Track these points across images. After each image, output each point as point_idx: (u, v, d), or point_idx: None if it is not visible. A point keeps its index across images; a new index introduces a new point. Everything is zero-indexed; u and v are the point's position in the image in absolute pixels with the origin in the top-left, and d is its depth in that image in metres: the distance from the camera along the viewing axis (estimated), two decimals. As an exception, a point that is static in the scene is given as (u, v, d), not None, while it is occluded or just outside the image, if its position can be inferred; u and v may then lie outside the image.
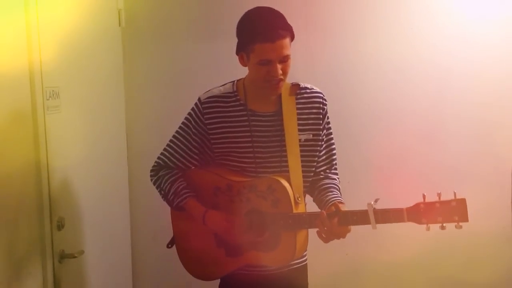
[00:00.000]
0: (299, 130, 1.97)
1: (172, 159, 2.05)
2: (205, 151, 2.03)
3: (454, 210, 1.72)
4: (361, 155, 2.86)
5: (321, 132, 2.02)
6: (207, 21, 2.93)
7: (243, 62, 1.94)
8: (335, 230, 1.83)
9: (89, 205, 2.43)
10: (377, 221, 1.78)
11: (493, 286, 2.89)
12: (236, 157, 1.98)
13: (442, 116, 2.89)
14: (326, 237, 1.85)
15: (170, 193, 2.03)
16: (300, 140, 1.97)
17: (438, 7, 2.85)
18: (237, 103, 2.00)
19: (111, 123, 2.79)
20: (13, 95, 1.90)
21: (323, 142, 2.04)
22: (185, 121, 2.05)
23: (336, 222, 1.81)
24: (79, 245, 2.30)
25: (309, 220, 1.86)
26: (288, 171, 1.94)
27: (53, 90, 2.11)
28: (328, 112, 2.05)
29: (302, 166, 1.96)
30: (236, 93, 2.01)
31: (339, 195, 2.00)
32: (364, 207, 1.80)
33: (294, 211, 1.88)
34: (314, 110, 2.01)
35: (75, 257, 2.17)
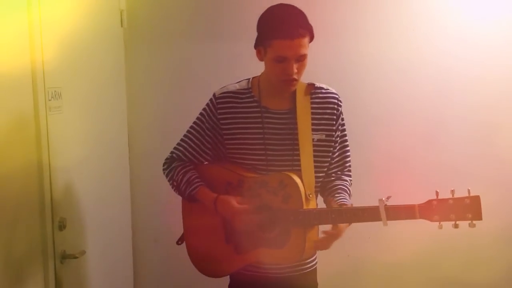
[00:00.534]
0: (313, 129, 1.97)
1: (186, 152, 2.07)
2: (217, 146, 2.05)
3: (468, 208, 1.69)
4: (362, 155, 2.84)
5: (334, 133, 2.02)
6: (209, 21, 2.93)
7: (260, 57, 1.95)
8: (342, 233, 1.84)
9: (91, 206, 2.43)
10: (388, 218, 1.75)
11: (493, 287, 2.88)
12: (247, 153, 1.99)
13: (443, 117, 2.89)
14: (330, 240, 1.87)
15: (183, 182, 2.03)
16: (313, 139, 1.97)
17: (439, 8, 2.85)
18: (251, 99, 2.00)
19: (113, 123, 2.79)
20: (15, 95, 1.90)
21: (336, 144, 2.04)
22: (199, 116, 2.07)
23: (346, 219, 1.82)
24: (80, 245, 2.30)
25: (319, 216, 1.85)
26: (300, 170, 1.94)
27: (55, 91, 2.11)
28: (343, 114, 2.05)
29: (315, 166, 1.96)
30: (250, 90, 2.02)
31: (346, 197, 1.99)
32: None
33: (305, 207, 1.87)
34: (328, 111, 2.01)
35: (77, 257, 2.17)
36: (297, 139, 1.95)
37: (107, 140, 2.68)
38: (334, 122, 2.01)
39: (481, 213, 1.69)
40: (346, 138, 2.08)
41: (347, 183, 2.07)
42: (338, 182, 2.05)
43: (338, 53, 2.87)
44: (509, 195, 2.87)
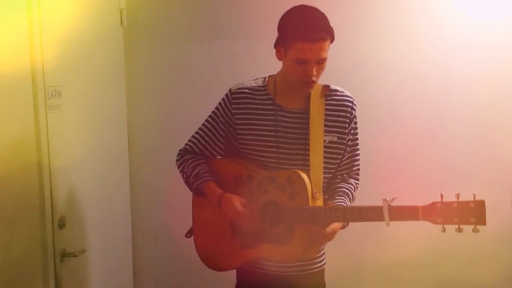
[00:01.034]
0: (325, 131, 1.98)
1: (199, 145, 2.09)
2: (230, 141, 2.07)
3: (472, 212, 1.66)
4: (363, 156, 2.86)
5: (346, 136, 2.03)
6: (209, 20, 2.93)
7: (280, 56, 1.96)
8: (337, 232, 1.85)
9: (91, 204, 2.43)
10: (391, 218, 1.75)
11: (493, 286, 2.88)
12: (259, 149, 2.01)
13: (444, 116, 2.88)
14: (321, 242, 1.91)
15: (192, 175, 2.05)
16: (324, 141, 1.98)
17: (440, 7, 2.85)
18: (266, 97, 2.02)
19: (113, 122, 2.80)
20: (15, 94, 1.90)
21: (347, 147, 2.05)
22: (214, 110, 2.09)
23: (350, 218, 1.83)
24: (80, 244, 2.30)
25: (324, 214, 1.84)
26: (309, 169, 1.94)
27: (55, 89, 2.11)
28: (356, 118, 2.05)
29: (324, 167, 1.97)
30: (266, 88, 2.04)
31: (345, 201, 1.99)
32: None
33: (311, 205, 1.88)
34: (342, 114, 2.02)
35: (76, 256, 2.17)
36: (308, 139, 1.96)
37: (107, 138, 2.68)
38: (347, 126, 2.02)
39: (485, 218, 1.66)
40: (357, 142, 2.09)
41: (352, 187, 2.07)
42: (342, 184, 2.06)
43: (338, 53, 2.85)
44: (509, 195, 2.87)
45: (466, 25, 2.84)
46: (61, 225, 2.11)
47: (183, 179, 2.12)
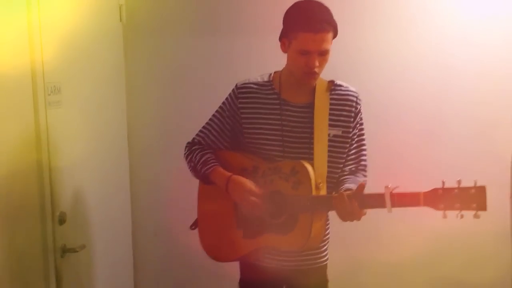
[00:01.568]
0: (329, 125, 2.00)
1: (206, 138, 2.12)
2: (236, 135, 2.10)
3: (473, 198, 1.70)
4: (367, 149, 2.86)
5: (351, 130, 2.05)
6: (208, 16, 2.93)
7: (284, 49, 1.99)
8: (355, 211, 1.83)
9: (91, 200, 2.44)
10: (393, 205, 1.77)
11: (489, 284, 2.88)
12: (265, 143, 2.03)
13: (442, 113, 2.87)
14: (344, 217, 1.87)
15: (199, 163, 2.08)
16: (329, 135, 2.00)
17: (439, 5, 2.84)
18: (271, 91, 2.05)
19: (112, 118, 2.80)
20: (15, 90, 1.90)
21: (353, 142, 2.07)
22: (221, 104, 2.12)
23: (355, 203, 1.82)
24: (80, 239, 2.31)
25: (327, 202, 1.88)
26: (313, 160, 1.96)
27: (54, 86, 2.11)
28: (361, 112, 2.07)
29: (329, 161, 1.99)
30: (271, 83, 2.07)
31: (353, 187, 1.99)
32: None
33: (314, 194, 1.90)
34: (347, 108, 2.04)
35: (77, 251, 2.18)
36: (313, 133, 1.98)
37: (106, 134, 2.69)
38: (352, 120, 2.04)
39: (485, 204, 1.70)
40: (364, 137, 2.11)
41: (360, 180, 2.07)
42: (351, 176, 2.08)
43: (336, 49, 2.86)
44: (507, 191, 2.87)
45: (465, 23, 2.83)
46: (62, 220, 2.12)
47: (190, 168, 2.13)
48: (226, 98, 2.11)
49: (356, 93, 2.07)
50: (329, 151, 1.99)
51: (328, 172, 1.99)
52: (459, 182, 1.73)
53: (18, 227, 1.91)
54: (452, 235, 2.76)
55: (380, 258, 2.93)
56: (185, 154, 2.17)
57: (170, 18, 2.94)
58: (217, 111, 2.13)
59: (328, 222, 2.10)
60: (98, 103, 2.57)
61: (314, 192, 1.90)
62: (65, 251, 2.14)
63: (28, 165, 1.98)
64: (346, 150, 2.06)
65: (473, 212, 1.71)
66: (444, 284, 2.95)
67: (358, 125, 2.07)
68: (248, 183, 1.98)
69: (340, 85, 2.07)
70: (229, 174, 2.02)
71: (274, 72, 2.10)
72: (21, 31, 1.94)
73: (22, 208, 1.93)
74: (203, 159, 2.08)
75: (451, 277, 2.92)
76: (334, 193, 1.94)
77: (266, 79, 2.08)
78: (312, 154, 1.97)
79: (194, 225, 2.19)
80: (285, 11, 1.98)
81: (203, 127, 2.15)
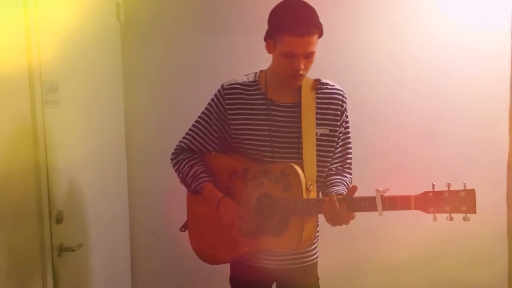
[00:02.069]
0: (317, 124, 2.00)
1: (194, 142, 2.10)
2: (224, 136, 2.08)
3: (463, 201, 1.72)
4: (360, 150, 2.86)
5: (338, 129, 2.05)
6: (207, 15, 2.93)
7: (269, 50, 1.98)
8: (343, 215, 1.84)
9: (88, 199, 2.44)
10: (384, 208, 1.78)
11: (486, 284, 2.89)
12: (253, 144, 2.02)
13: (436, 115, 2.87)
14: (332, 221, 1.87)
15: (188, 176, 2.06)
16: (316, 134, 2.00)
17: (437, 5, 2.84)
18: (258, 92, 2.04)
19: (110, 117, 2.80)
20: (12, 88, 1.90)
21: (339, 140, 2.07)
22: (207, 106, 2.10)
23: (345, 207, 1.82)
24: (78, 238, 2.31)
25: (318, 204, 1.88)
26: (302, 162, 1.96)
27: (51, 85, 2.11)
28: (347, 111, 2.07)
29: (318, 160, 1.99)
30: (257, 83, 2.06)
31: (344, 191, 2.01)
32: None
33: (305, 197, 1.90)
34: (333, 106, 2.04)
35: (74, 250, 2.17)
36: (301, 132, 1.98)
37: (104, 133, 2.69)
38: (338, 118, 2.04)
39: (475, 207, 1.71)
40: (349, 135, 2.11)
41: (347, 179, 2.08)
42: (337, 177, 2.07)
43: (334, 48, 2.86)
44: (503, 190, 2.87)
45: (460, 25, 2.82)
46: (59, 219, 2.12)
47: (179, 179, 2.12)
48: (212, 100, 2.09)
49: (342, 91, 2.07)
50: (317, 150, 1.99)
51: (318, 175, 1.99)
52: (449, 185, 1.74)
53: (15, 226, 1.91)
54: (448, 236, 2.76)
55: (378, 259, 2.93)
56: (172, 161, 2.14)
57: (168, 17, 2.94)
58: (203, 113, 2.11)
59: (318, 222, 2.09)
60: (95, 102, 2.57)
61: (305, 195, 1.90)
62: (62, 250, 2.14)
63: (25, 164, 1.97)
64: (333, 149, 2.06)
65: (462, 215, 1.72)
66: (441, 285, 2.95)
67: (344, 123, 2.07)
68: (238, 210, 1.97)
69: (326, 84, 2.06)
70: (220, 195, 2.01)
71: (260, 72, 2.09)
72: (18, 29, 1.93)
73: (19, 207, 1.93)
74: (192, 171, 2.06)
75: (448, 277, 2.92)
76: (322, 193, 1.93)
77: (251, 79, 2.07)
78: (301, 154, 1.97)
79: (184, 227, 2.18)
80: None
81: (190, 130, 2.12)
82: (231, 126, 2.04)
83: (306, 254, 2.09)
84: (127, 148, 2.99)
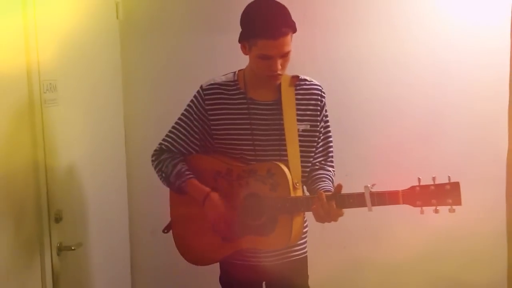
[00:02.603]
0: (298, 120, 2.01)
1: (174, 143, 2.09)
2: (205, 137, 2.08)
3: (448, 193, 1.75)
4: (359, 148, 2.87)
5: (318, 124, 2.06)
6: (205, 13, 2.93)
7: (245, 51, 1.98)
8: (332, 212, 1.84)
9: (87, 198, 2.44)
10: (373, 204, 1.79)
11: (486, 283, 2.88)
12: (235, 143, 2.02)
13: (436, 113, 2.88)
14: (321, 218, 1.87)
15: (173, 174, 2.05)
16: (298, 130, 2.00)
17: (437, 6, 2.84)
18: (237, 91, 2.04)
19: (109, 115, 2.80)
20: (11, 88, 1.90)
21: (321, 134, 2.08)
22: (187, 107, 2.10)
23: (334, 204, 1.83)
24: (77, 237, 2.31)
25: (306, 203, 1.89)
26: (286, 159, 1.97)
27: (50, 83, 2.11)
28: (326, 105, 2.08)
29: (301, 156, 1.99)
30: (236, 82, 2.05)
31: (331, 186, 2.02)
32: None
33: (292, 195, 1.91)
34: (313, 102, 2.04)
35: (73, 249, 2.17)
36: (283, 129, 1.98)
37: (103, 132, 2.68)
38: (319, 113, 2.05)
39: (460, 199, 1.75)
40: (330, 129, 2.12)
41: (331, 173, 2.10)
42: (321, 171, 2.08)
43: (333, 47, 2.86)
44: (502, 189, 2.86)
45: (459, 25, 2.83)
46: (58, 218, 2.11)
47: (161, 178, 2.11)
48: (192, 101, 2.08)
49: (320, 86, 2.08)
50: (300, 146, 2.00)
51: (302, 170, 2.00)
52: (434, 179, 1.77)
53: (14, 225, 1.91)
54: (448, 235, 2.76)
55: (378, 259, 2.93)
56: (153, 162, 2.13)
57: (167, 16, 2.94)
58: (183, 114, 2.10)
59: (305, 218, 2.09)
60: (94, 100, 2.57)
61: (292, 193, 1.91)
62: (61, 249, 2.14)
63: (24, 163, 1.97)
64: (315, 144, 2.06)
65: (448, 207, 1.75)
66: (440, 284, 2.95)
67: (324, 117, 2.08)
68: (223, 208, 1.97)
69: (305, 80, 2.07)
70: (207, 190, 2.00)
71: (238, 71, 2.08)
72: (16, 28, 1.93)
73: (18, 206, 1.93)
74: (176, 170, 2.05)
75: (448, 277, 2.93)
76: (307, 188, 1.92)
77: (231, 78, 2.07)
78: (284, 151, 1.98)
79: (166, 229, 2.17)
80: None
81: (170, 131, 2.11)
82: (212, 127, 2.04)
83: (295, 248, 2.09)
84: (127, 146, 2.99)
